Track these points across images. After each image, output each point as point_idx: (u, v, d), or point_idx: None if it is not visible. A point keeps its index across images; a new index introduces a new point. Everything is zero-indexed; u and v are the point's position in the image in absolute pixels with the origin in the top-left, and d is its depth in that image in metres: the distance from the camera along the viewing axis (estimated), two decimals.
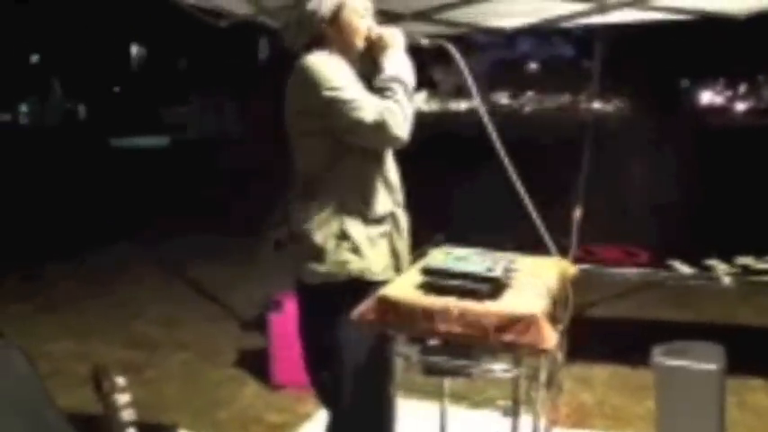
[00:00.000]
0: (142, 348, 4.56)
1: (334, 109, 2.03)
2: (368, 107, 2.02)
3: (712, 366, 2.75)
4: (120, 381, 1.46)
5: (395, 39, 2.17)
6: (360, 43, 2.19)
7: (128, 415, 1.43)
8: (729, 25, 3.76)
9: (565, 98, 45.42)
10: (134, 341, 4.72)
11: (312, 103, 2.07)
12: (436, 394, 2.65)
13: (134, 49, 33.29)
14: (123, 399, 1.44)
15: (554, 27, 3.95)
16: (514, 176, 2.12)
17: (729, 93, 40.46)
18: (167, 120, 28.41)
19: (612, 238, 4.52)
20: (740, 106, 38.75)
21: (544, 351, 1.88)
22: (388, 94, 2.05)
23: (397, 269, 2.22)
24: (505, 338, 1.86)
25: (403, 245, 2.25)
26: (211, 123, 27.12)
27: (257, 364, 4.05)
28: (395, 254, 2.21)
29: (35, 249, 7.42)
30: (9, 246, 7.43)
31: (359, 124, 2.02)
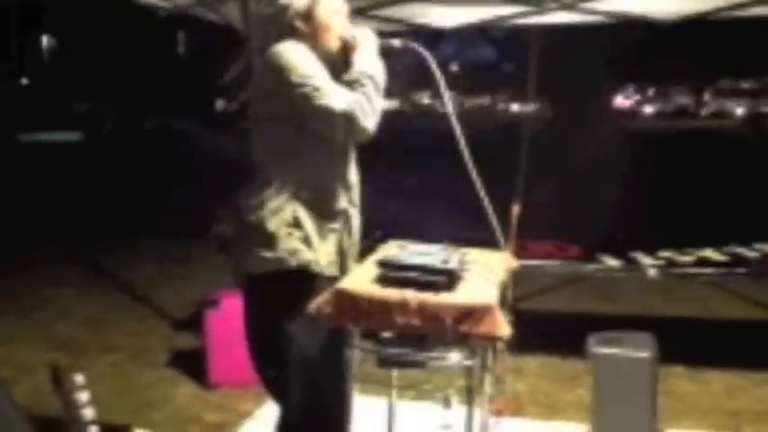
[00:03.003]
0: (68, 351, 4.37)
1: (303, 95, 2.04)
2: (337, 96, 2.04)
3: (645, 354, 2.88)
4: (80, 379, 1.41)
5: (367, 39, 2.19)
6: (332, 41, 2.19)
7: (89, 413, 1.38)
8: (642, 31, 3.94)
9: (485, 99, 46.37)
10: (59, 344, 4.52)
11: (280, 88, 2.06)
12: (382, 384, 2.67)
13: (44, 40, 31.80)
14: (83, 397, 1.39)
15: (494, 26, 4.04)
16: (474, 174, 2.17)
17: (638, 96, 42.28)
18: (80, 114, 27.28)
19: (543, 234, 4.66)
20: (648, 109, 40.58)
21: (499, 339, 1.93)
22: (358, 87, 2.07)
23: (342, 267, 2.22)
24: (462, 328, 1.90)
25: (351, 244, 2.26)
26: (129, 116, 26.27)
27: (190, 364, 3.97)
28: (341, 252, 2.22)
29: None
30: None
31: (326, 112, 2.03)
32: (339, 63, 2.20)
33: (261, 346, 2.26)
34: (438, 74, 2.25)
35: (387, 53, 2.21)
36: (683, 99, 40.09)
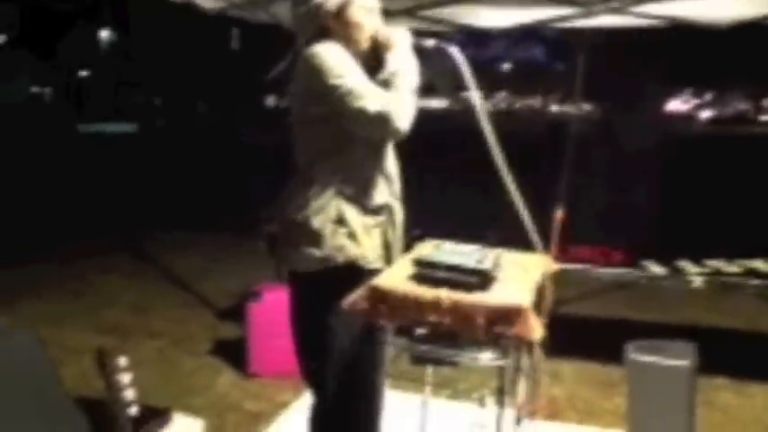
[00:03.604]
0: (114, 335, 4.51)
1: (338, 97, 2.05)
2: (371, 97, 2.05)
3: (684, 363, 2.84)
4: (122, 361, 1.47)
5: (401, 39, 2.20)
6: (364, 40, 2.21)
7: (130, 394, 1.44)
8: (700, 35, 3.86)
9: (536, 100, 45.84)
10: (106, 328, 4.66)
11: (317, 89, 2.09)
12: (417, 381, 2.70)
13: (103, 33, 32.67)
14: (125, 379, 1.45)
15: (541, 28, 4.01)
16: (508, 176, 2.17)
17: (695, 101, 41.22)
18: (136, 106, 28.05)
19: (588, 238, 4.62)
20: (704, 114, 39.54)
21: (531, 342, 1.93)
22: (391, 87, 2.09)
23: (388, 260, 2.24)
24: (494, 329, 1.91)
25: (396, 237, 2.28)
26: (182, 110, 26.91)
27: (232, 353, 4.05)
28: (387, 245, 2.24)
29: (6, 237, 7.26)
30: None
31: (361, 113, 2.04)
32: (373, 62, 2.20)
33: (307, 339, 2.27)
34: (469, 74, 2.25)
35: (420, 53, 2.21)
36: (741, 105, 38.93)
